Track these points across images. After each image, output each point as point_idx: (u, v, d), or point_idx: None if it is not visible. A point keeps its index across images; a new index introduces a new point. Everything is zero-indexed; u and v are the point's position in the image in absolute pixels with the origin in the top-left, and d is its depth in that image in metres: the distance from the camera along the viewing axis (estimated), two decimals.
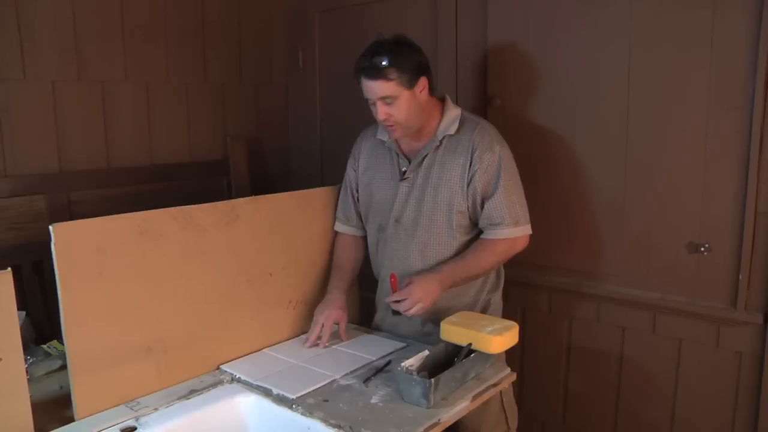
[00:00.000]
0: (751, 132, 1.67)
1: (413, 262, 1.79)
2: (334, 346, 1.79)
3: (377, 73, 1.61)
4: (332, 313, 1.79)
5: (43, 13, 2.02)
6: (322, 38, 2.71)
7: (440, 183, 1.73)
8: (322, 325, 1.77)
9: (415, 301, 1.65)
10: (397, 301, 1.67)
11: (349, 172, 1.96)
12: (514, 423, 1.85)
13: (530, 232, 1.76)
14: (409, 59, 1.64)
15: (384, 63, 1.60)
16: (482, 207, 1.72)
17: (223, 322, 1.69)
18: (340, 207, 1.99)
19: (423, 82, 1.67)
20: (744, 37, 1.66)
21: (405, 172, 1.79)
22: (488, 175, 1.70)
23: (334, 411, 1.41)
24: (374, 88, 1.64)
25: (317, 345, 1.78)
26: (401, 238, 1.81)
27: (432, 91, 1.73)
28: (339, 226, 1.99)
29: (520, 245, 1.75)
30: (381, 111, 1.67)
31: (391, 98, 1.64)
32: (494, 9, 2.12)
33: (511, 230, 1.71)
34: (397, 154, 1.81)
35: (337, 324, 1.81)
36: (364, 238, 1.97)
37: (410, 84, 1.64)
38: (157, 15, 2.34)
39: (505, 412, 1.81)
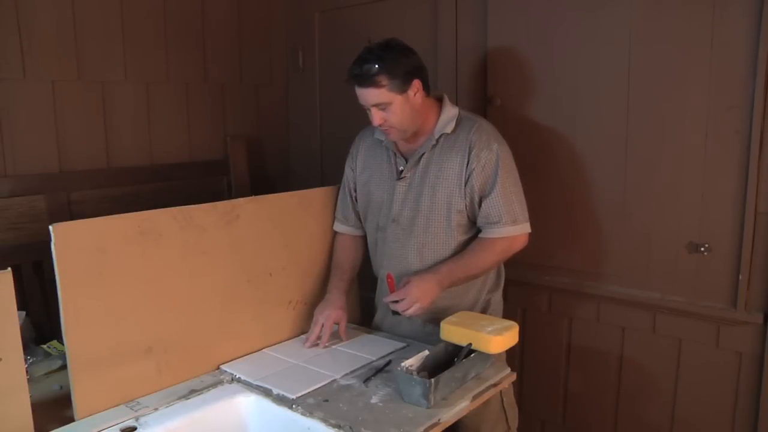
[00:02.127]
0: (751, 132, 1.68)
1: (411, 262, 1.79)
2: (334, 346, 1.79)
3: (367, 81, 1.62)
4: (332, 313, 1.79)
5: (43, 13, 2.02)
6: (322, 38, 2.71)
7: (437, 182, 1.73)
8: (322, 325, 1.77)
9: (413, 301, 1.65)
10: (396, 302, 1.67)
11: (347, 171, 1.96)
12: (514, 423, 1.85)
13: (529, 230, 1.75)
14: (399, 64, 1.63)
15: (374, 70, 1.61)
16: (480, 205, 1.72)
17: (223, 322, 1.69)
18: (338, 207, 1.99)
19: (416, 84, 1.67)
20: (744, 36, 1.66)
21: (402, 171, 1.79)
22: (486, 173, 1.70)
23: (334, 411, 1.41)
24: (366, 96, 1.65)
25: (317, 345, 1.78)
26: (399, 237, 1.81)
27: (428, 91, 1.72)
28: (338, 226, 1.99)
29: (519, 244, 1.75)
30: (376, 116, 1.67)
31: (384, 104, 1.65)
32: (494, 8, 2.12)
33: (510, 228, 1.71)
34: (395, 154, 1.81)
35: (337, 324, 1.81)
36: (364, 237, 1.97)
37: (402, 88, 1.64)
38: (158, 15, 2.33)
39: (505, 411, 1.81)
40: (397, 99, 1.65)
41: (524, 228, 1.74)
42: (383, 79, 1.62)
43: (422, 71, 1.70)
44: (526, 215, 1.75)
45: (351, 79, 1.66)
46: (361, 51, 1.66)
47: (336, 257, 1.96)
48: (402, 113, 1.67)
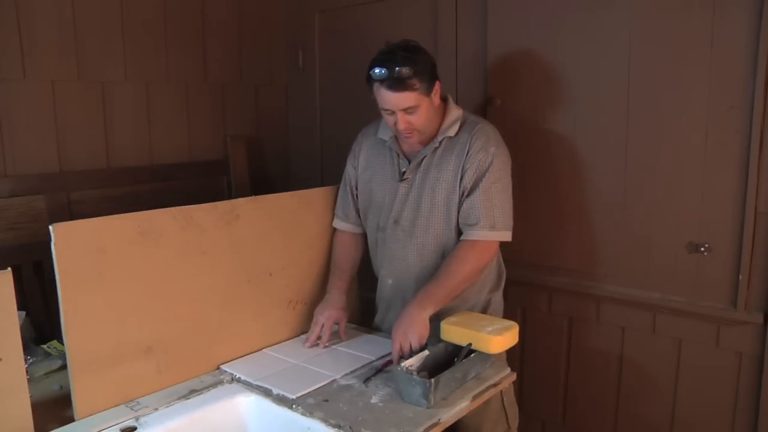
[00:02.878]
0: (751, 132, 1.67)
1: (411, 263, 1.79)
2: (334, 346, 1.79)
3: (402, 85, 1.57)
4: (332, 313, 1.79)
5: (43, 12, 2.02)
6: (322, 38, 2.71)
7: (437, 183, 1.73)
8: (322, 326, 1.77)
9: (405, 337, 1.58)
10: (401, 356, 1.59)
11: (349, 169, 1.94)
12: (514, 422, 1.85)
13: (509, 239, 1.71)
14: (426, 65, 1.61)
15: (408, 73, 1.56)
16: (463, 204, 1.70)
17: (223, 322, 1.69)
18: (339, 204, 1.98)
19: (437, 86, 1.66)
20: (744, 37, 1.66)
21: (404, 172, 1.79)
22: (477, 174, 1.69)
23: (334, 411, 1.41)
24: (398, 100, 1.60)
25: (317, 345, 1.78)
26: (399, 238, 1.80)
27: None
28: (338, 223, 1.97)
29: (492, 252, 1.72)
30: (402, 121, 1.64)
31: (413, 108, 1.62)
32: (494, 8, 2.12)
33: (485, 233, 1.67)
34: (398, 155, 1.80)
35: (337, 324, 1.81)
36: (364, 235, 1.96)
37: (429, 90, 1.63)
38: (158, 15, 2.34)
39: (505, 411, 1.81)
40: (424, 101, 1.63)
41: (503, 236, 1.70)
42: (416, 82, 1.58)
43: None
44: (508, 224, 1.71)
45: (380, 83, 1.59)
46: (381, 53, 1.61)
47: (335, 256, 1.95)
48: (427, 116, 1.66)
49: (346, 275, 1.91)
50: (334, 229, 1.99)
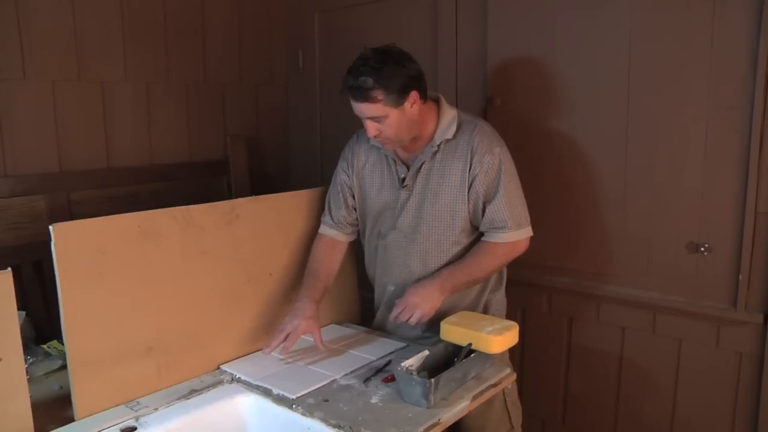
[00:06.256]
0: (751, 132, 1.67)
1: (414, 270, 1.77)
2: (334, 346, 1.79)
3: (363, 95, 1.57)
4: (301, 323, 1.67)
5: (43, 12, 2.02)
6: (322, 38, 2.71)
7: (440, 189, 1.71)
8: (287, 335, 1.66)
9: (412, 308, 1.64)
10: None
11: (342, 176, 1.88)
12: (518, 422, 1.84)
13: (531, 233, 1.74)
14: (396, 77, 1.57)
15: (369, 84, 1.55)
16: (484, 211, 1.70)
17: (224, 322, 1.69)
18: (328, 209, 1.90)
19: (413, 96, 1.61)
20: (744, 36, 1.66)
21: (404, 179, 1.76)
22: (489, 178, 1.68)
23: (334, 411, 1.41)
24: (361, 109, 1.60)
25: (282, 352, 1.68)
26: (402, 245, 1.78)
27: (425, 98, 1.67)
28: (324, 229, 1.89)
29: (522, 248, 1.73)
30: (371, 128, 1.63)
31: (379, 118, 1.60)
32: (494, 6, 2.12)
33: (514, 233, 1.70)
34: (394, 161, 1.77)
35: (311, 335, 1.71)
36: (347, 244, 1.91)
37: (398, 102, 1.59)
38: (157, 15, 2.34)
39: (508, 411, 1.80)
40: (393, 112, 1.60)
41: (527, 232, 1.73)
42: (379, 94, 1.56)
43: (419, 80, 1.63)
44: (528, 218, 1.74)
45: (348, 90, 1.60)
46: (357, 59, 1.60)
47: (312, 263, 1.84)
48: (398, 126, 1.62)
49: (320, 284, 1.79)
50: (319, 234, 1.91)
